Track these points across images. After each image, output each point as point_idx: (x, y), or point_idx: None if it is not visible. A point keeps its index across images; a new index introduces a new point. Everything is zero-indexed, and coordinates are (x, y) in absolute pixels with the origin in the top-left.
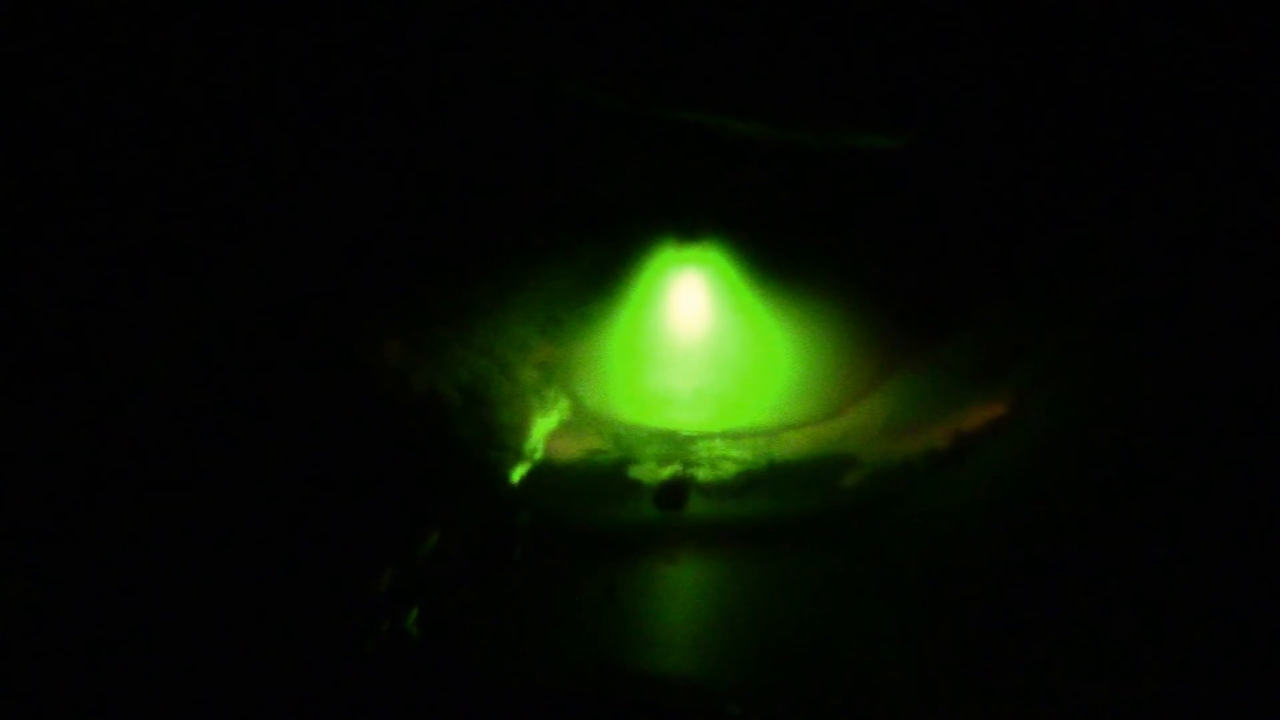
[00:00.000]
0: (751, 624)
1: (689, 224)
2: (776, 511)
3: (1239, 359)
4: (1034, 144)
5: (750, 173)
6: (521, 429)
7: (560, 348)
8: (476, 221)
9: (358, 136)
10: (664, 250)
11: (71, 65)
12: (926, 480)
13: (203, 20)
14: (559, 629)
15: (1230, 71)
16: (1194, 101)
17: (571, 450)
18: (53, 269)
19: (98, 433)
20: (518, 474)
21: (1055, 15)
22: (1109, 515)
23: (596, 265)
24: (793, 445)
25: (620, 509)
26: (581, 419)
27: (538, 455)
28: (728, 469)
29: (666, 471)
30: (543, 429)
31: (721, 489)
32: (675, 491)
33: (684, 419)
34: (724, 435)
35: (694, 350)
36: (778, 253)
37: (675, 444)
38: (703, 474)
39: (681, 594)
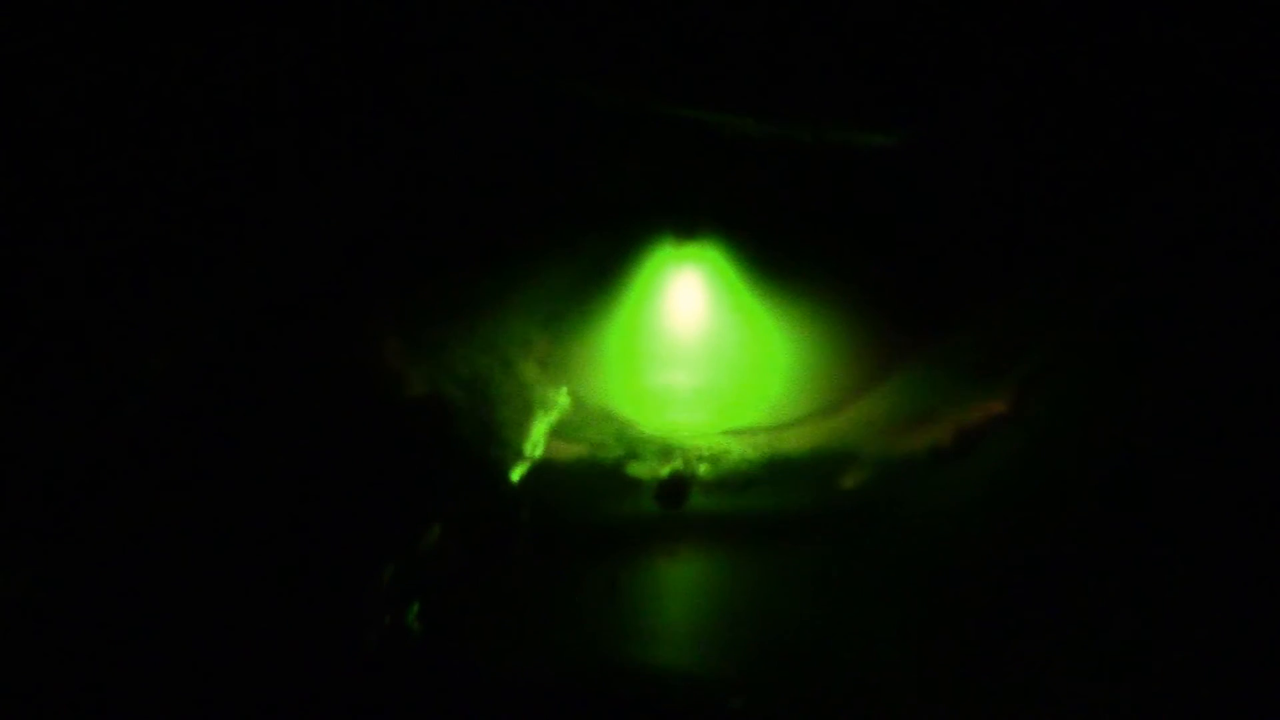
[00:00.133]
0: (753, 619)
1: (688, 222)
2: (777, 507)
3: (1242, 353)
4: (1034, 140)
5: (749, 170)
6: (523, 425)
7: (561, 344)
8: (476, 219)
9: (358, 134)
10: (663, 248)
11: (71, 65)
12: (928, 476)
13: (202, 19)
14: (560, 624)
15: (1230, 71)
16: (1194, 101)
17: (573, 447)
18: (52, 267)
19: (100, 428)
20: (519, 470)
21: (1056, 11)
22: (1111, 512)
23: (596, 262)
24: (793, 441)
25: (621, 505)
26: (583, 416)
27: (539, 452)
28: (728, 465)
29: (667, 468)
30: (544, 425)
31: (722, 485)
32: (676, 488)
33: (685, 416)
34: (725, 432)
35: (694, 347)
36: (778, 250)
37: (676, 441)
38: (704, 470)
39: (683, 590)
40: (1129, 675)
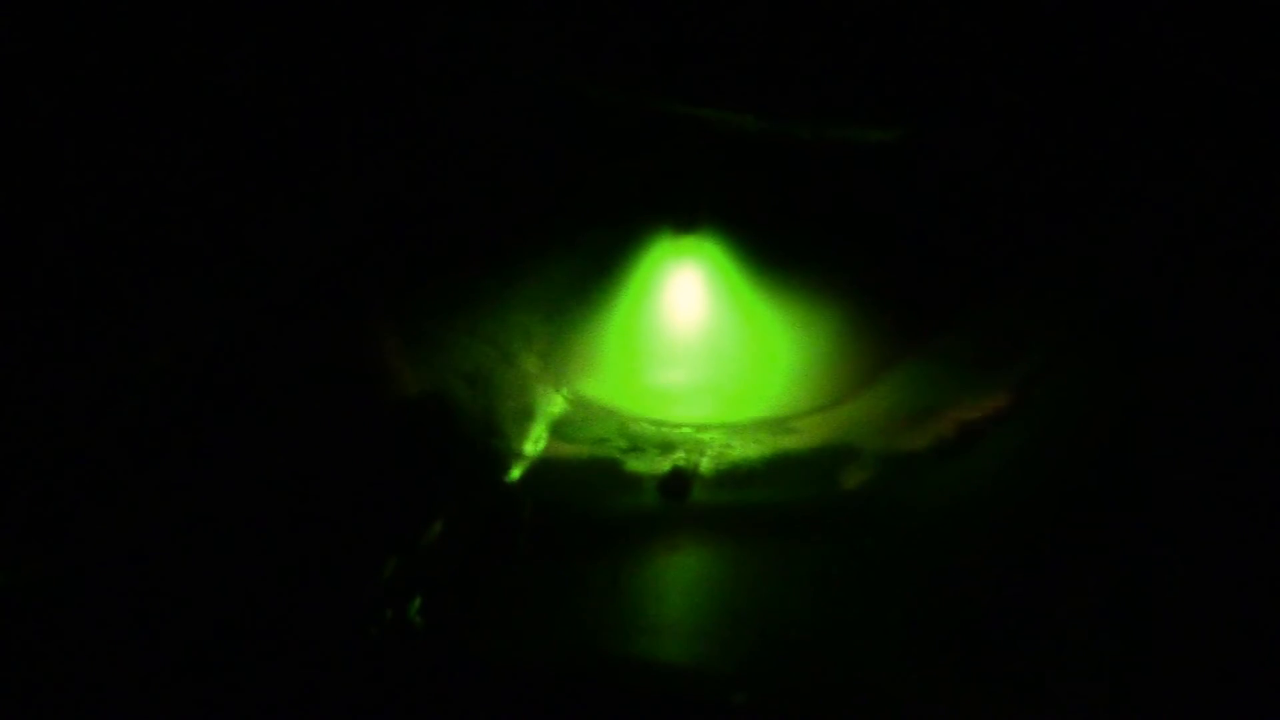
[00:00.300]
0: (756, 613)
1: (687, 218)
2: (780, 501)
3: (1242, 353)
4: (1035, 137)
5: (750, 165)
6: (525, 419)
7: (563, 338)
8: (476, 214)
9: (360, 130)
10: (663, 242)
11: (71, 65)
12: (931, 470)
13: (201, 17)
14: (562, 617)
15: (1230, 71)
16: (1194, 101)
17: (575, 440)
18: (51, 266)
19: (100, 427)
20: (521, 464)
21: (1058, 9)
22: (1115, 507)
23: (597, 258)
24: (796, 436)
25: (624, 499)
26: (584, 411)
27: (541, 445)
28: (731, 459)
29: (670, 462)
30: (546, 418)
31: (725, 479)
32: (679, 482)
33: (688, 409)
34: (727, 426)
35: (697, 341)
36: (779, 245)
37: (679, 434)
38: (706, 464)
39: (686, 583)
40: (1130, 675)
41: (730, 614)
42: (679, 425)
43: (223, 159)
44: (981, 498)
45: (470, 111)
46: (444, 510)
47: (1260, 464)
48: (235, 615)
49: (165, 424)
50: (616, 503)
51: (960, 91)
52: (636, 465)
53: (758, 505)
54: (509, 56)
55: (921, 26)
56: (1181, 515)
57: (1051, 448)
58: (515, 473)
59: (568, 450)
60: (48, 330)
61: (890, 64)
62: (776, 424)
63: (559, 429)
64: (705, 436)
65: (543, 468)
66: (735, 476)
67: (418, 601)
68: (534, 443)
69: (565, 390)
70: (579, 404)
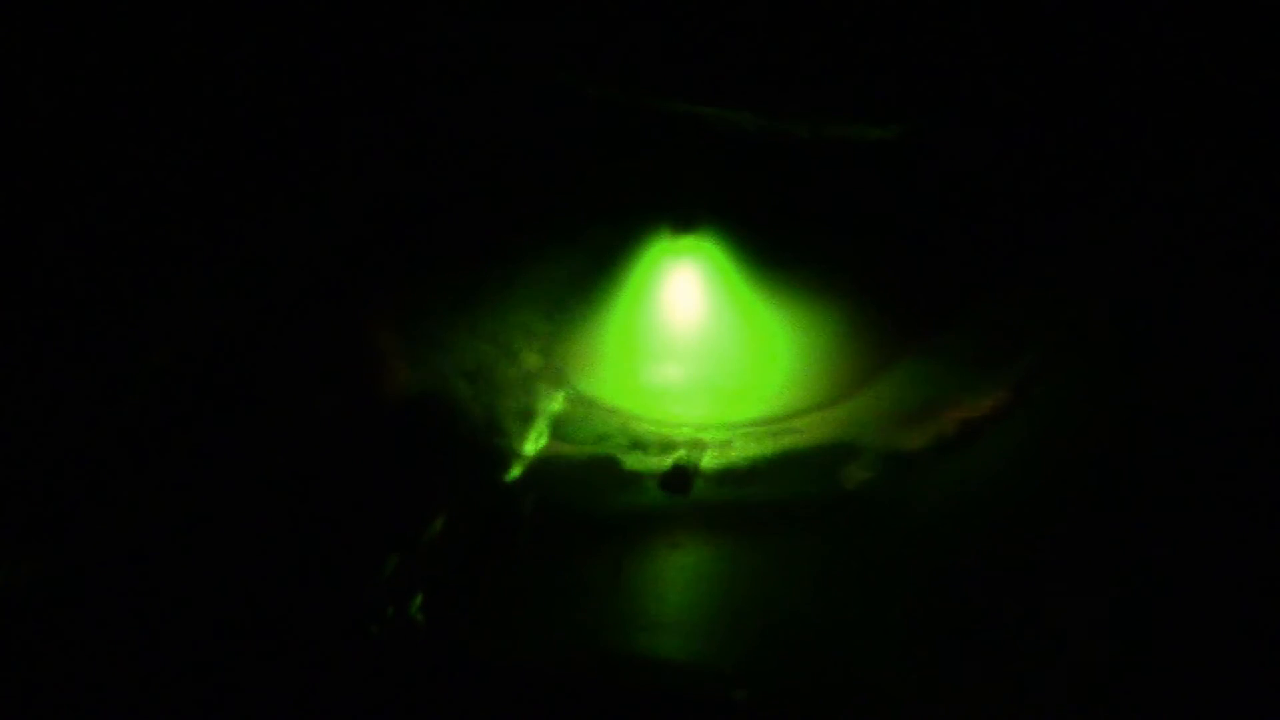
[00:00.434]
0: (756, 611)
1: (686, 216)
2: (781, 498)
3: (1243, 353)
4: (1035, 135)
5: (749, 164)
6: (526, 415)
7: (564, 336)
8: (477, 212)
9: (360, 130)
10: (663, 241)
11: (72, 65)
12: (930, 468)
13: (201, 17)
14: (564, 614)
15: (1230, 71)
16: (1194, 101)
17: (576, 438)
18: (50, 265)
19: (100, 425)
20: (522, 462)
21: (1058, 7)
22: (1114, 505)
23: (596, 255)
24: (797, 433)
25: (625, 495)
26: (586, 408)
27: (542, 441)
28: (732, 456)
29: (671, 458)
30: (547, 417)
31: (726, 476)
32: (680, 478)
33: (688, 408)
34: (729, 423)
35: (697, 340)
36: (778, 243)
37: (679, 433)
38: (707, 461)
39: (686, 581)
40: (1129, 674)
41: (730, 612)
42: (679, 424)
43: (223, 159)
44: (981, 496)
45: (470, 111)
46: (445, 509)
47: (1260, 463)
48: (236, 614)
49: (165, 424)
50: (617, 501)
51: (959, 91)
52: (637, 463)
53: (758, 503)
54: (509, 56)
55: (920, 26)
56: (1181, 514)
57: (1051, 446)
58: (516, 471)
59: (568, 449)
60: (48, 330)
61: (889, 63)
62: (776, 422)
63: (559, 427)
64: (706, 435)
65: (543, 466)
66: (735, 474)
67: (419, 599)
68: (534, 441)
69: (566, 389)
70: (579, 402)
